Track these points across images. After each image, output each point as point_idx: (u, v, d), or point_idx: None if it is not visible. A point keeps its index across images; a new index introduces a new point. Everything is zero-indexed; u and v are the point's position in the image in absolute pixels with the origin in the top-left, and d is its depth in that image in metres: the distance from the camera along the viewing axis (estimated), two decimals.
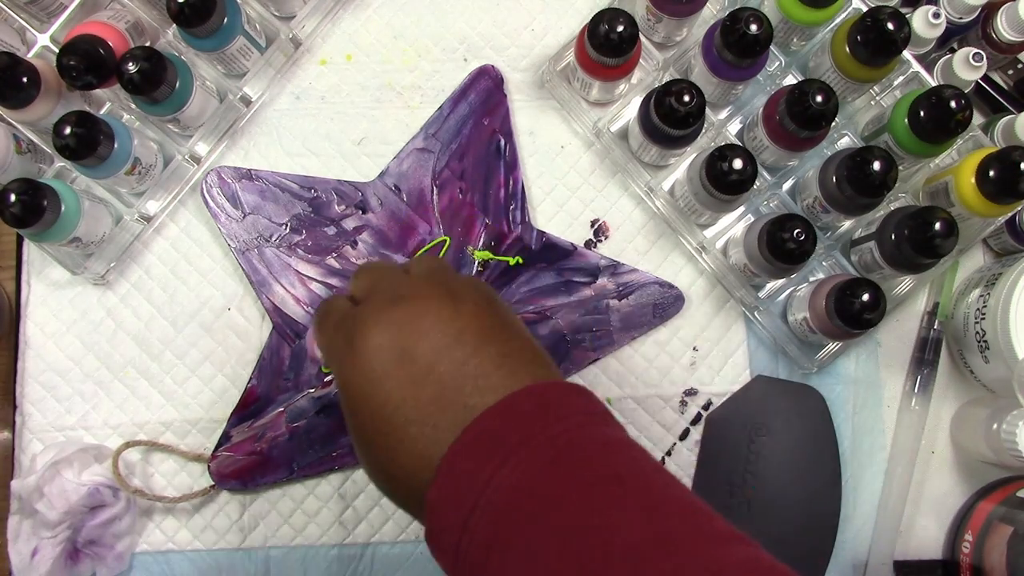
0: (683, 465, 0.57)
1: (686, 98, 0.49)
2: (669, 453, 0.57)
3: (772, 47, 0.54)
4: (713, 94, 0.55)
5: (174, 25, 0.53)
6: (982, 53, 0.54)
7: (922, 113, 0.50)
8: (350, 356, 0.35)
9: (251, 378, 0.56)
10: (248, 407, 0.56)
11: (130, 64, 0.49)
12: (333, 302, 0.40)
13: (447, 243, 0.57)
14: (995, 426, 0.52)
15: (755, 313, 0.57)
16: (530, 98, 0.59)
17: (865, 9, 0.54)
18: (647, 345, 0.57)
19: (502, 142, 0.58)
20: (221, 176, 0.57)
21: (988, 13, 0.56)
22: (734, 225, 0.57)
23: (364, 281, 0.39)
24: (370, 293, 0.38)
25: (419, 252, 0.57)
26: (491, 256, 0.57)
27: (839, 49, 0.52)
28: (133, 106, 0.55)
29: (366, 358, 0.34)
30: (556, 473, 0.31)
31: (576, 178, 0.59)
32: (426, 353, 0.34)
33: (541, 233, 0.57)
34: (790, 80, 0.57)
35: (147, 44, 0.56)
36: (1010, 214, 0.54)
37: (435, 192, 0.57)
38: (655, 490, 0.31)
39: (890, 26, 0.49)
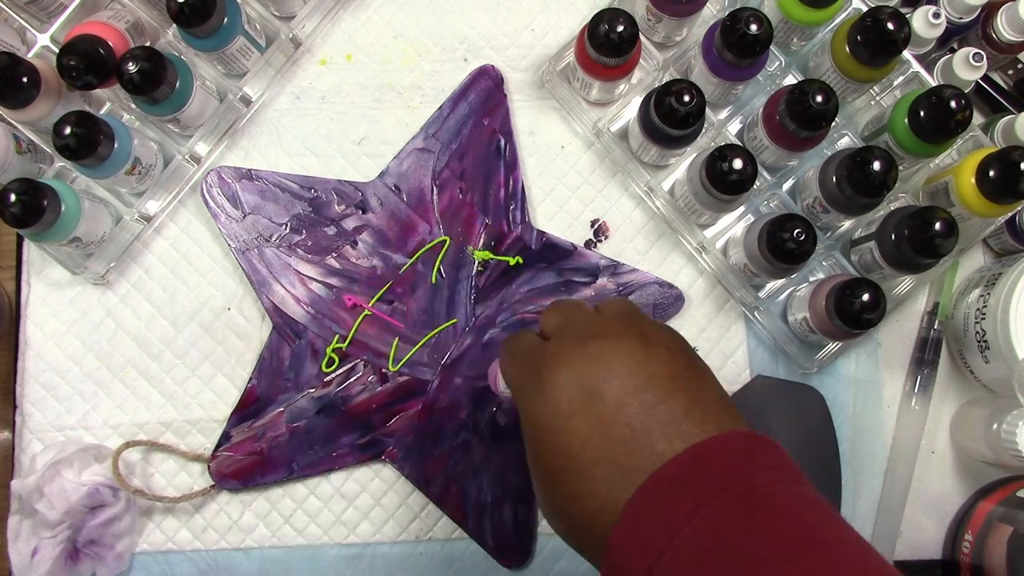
0: None
1: (686, 98, 0.49)
2: None
3: (772, 47, 0.54)
4: (713, 94, 0.55)
5: (174, 25, 0.53)
6: (982, 53, 0.54)
7: (922, 113, 0.50)
8: (538, 391, 0.35)
9: (251, 378, 0.56)
10: (248, 407, 0.56)
11: (130, 64, 0.49)
12: (522, 336, 0.40)
13: (447, 243, 0.57)
14: (995, 426, 0.52)
15: (755, 313, 0.57)
16: (530, 98, 0.59)
17: (865, 9, 0.54)
18: None
19: (502, 142, 0.58)
20: (221, 176, 0.57)
21: (988, 13, 0.56)
22: (734, 225, 0.57)
23: (554, 318, 0.39)
24: (560, 329, 0.38)
25: (419, 252, 0.57)
26: (491, 256, 0.57)
27: (839, 49, 0.52)
28: (133, 106, 0.55)
29: (555, 394, 0.34)
30: (751, 528, 0.29)
31: (576, 178, 0.59)
32: (616, 394, 0.34)
33: (541, 233, 0.57)
34: (790, 80, 0.57)
35: (147, 44, 0.56)
36: (1010, 214, 0.54)
37: (435, 192, 0.57)
38: (857, 559, 0.29)
39: (890, 26, 0.49)
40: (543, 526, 0.56)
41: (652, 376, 0.34)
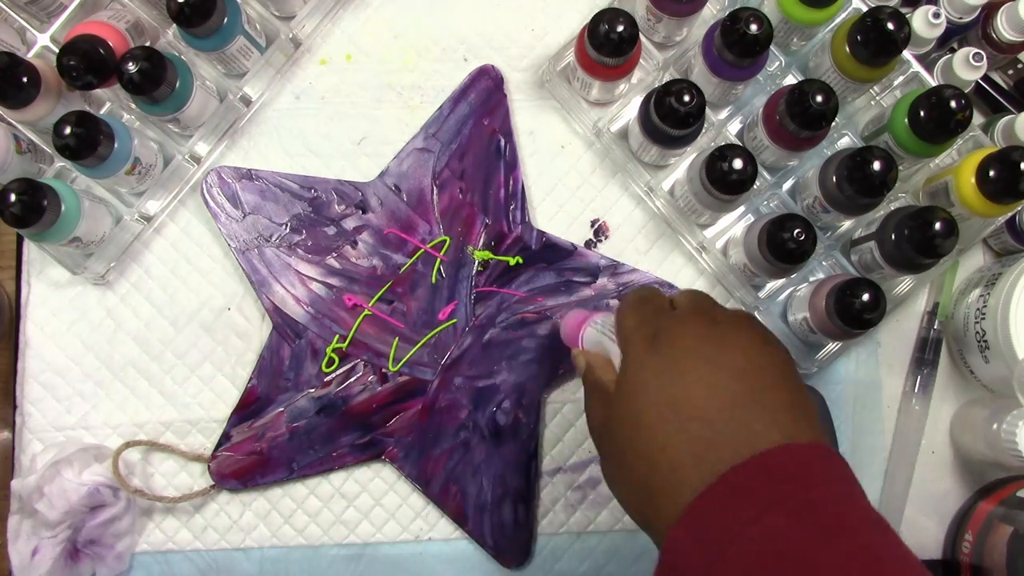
0: None
1: (686, 98, 0.49)
2: None
3: (772, 47, 0.54)
4: (713, 94, 0.55)
5: (174, 25, 0.53)
6: (982, 53, 0.54)
7: (922, 113, 0.50)
8: (655, 346, 0.38)
9: (251, 378, 0.56)
10: (248, 407, 0.56)
11: (130, 64, 0.49)
12: (651, 297, 0.42)
13: (447, 243, 0.57)
14: (995, 426, 0.51)
15: (755, 313, 0.57)
16: (530, 98, 0.59)
17: (865, 9, 0.54)
18: None
19: (502, 142, 0.58)
20: (221, 176, 0.57)
21: (988, 13, 0.56)
22: (734, 225, 0.57)
23: (689, 297, 0.42)
24: (692, 307, 0.40)
25: (418, 252, 0.57)
26: (491, 256, 0.57)
27: (839, 49, 0.52)
28: (133, 106, 0.55)
29: (673, 352, 0.37)
30: (810, 540, 0.30)
31: (576, 178, 0.59)
32: (730, 368, 0.36)
33: (541, 233, 0.57)
34: (790, 80, 0.57)
35: (147, 44, 0.56)
36: (1010, 214, 0.54)
37: (435, 192, 0.57)
38: None
39: (890, 26, 0.49)
40: (543, 526, 0.56)
41: (763, 368, 0.36)
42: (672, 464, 0.34)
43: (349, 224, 0.57)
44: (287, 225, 0.57)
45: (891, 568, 0.30)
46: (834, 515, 0.31)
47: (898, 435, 0.57)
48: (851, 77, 0.53)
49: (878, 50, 0.50)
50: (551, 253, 0.57)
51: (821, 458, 0.34)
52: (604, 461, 0.39)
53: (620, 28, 0.50)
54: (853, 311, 0.49)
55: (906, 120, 0.51)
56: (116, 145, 0.51)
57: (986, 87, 0.59)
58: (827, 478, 0.33)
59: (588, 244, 0.58)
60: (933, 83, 0.55)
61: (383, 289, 0.56)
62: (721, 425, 0.34)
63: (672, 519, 0.33)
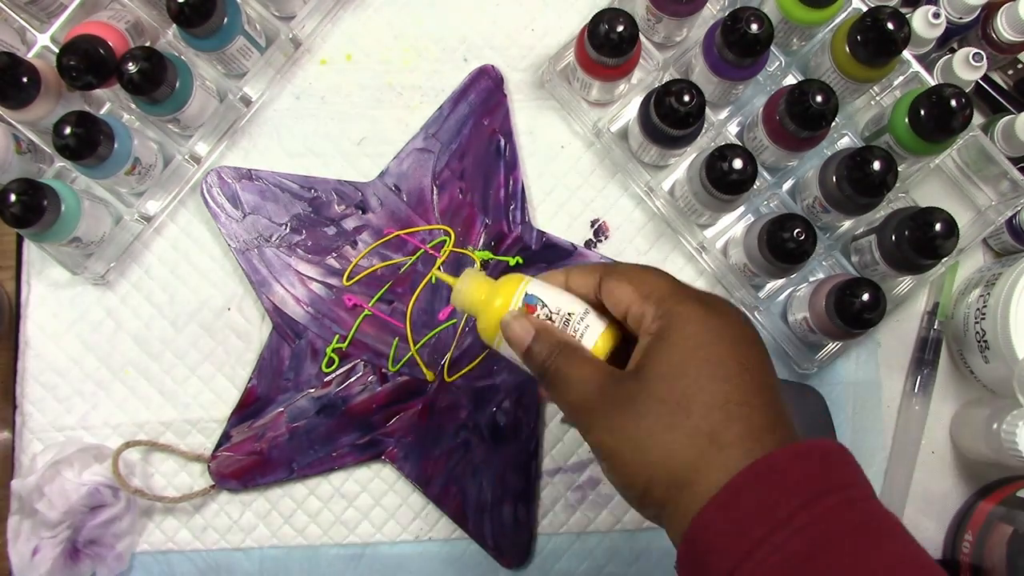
0: None
1: (686, 98, 0.49)
2: None
3: (772, 47, 0.54)
4: (713, 94, 0.55)
5: (174, 25, 0.53)
6: (982, 53, 0.54)
7: (923, 112, 0.50)
8: (708, 310, 0.35)
9: (251, 378, 0.56)
10: (248, 407, 0.56)
11: (130, 64, 0.49)
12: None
13: (452, 238, 0.57)
14: (995, 426, 0.51)
15: (755, 313, 0.57)
16: (530, 98, 0.59)
17: (865, 9, 0.54)
18: None
19: (502, 142, 0.58)
20: (221, 176, 0.57)
21: (988, 13, 0.56)
22: (734, 225, 0.57)
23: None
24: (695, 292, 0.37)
25: (418, 252, 0.57)
26: (491, 256, 0.57)
27: (839, 49, 0.52)
28: (133, 106, 0.55)
29: (719, 320, 0.35)
30: (860, 539, 0.30)
31: (576, 178, 0.59)
32: (752, 358, 0.35)
33: (541, 233, 0.57)
34: (790, 80, 0.57)
35: (147, 44, 0.56)
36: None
37: (435, 192, 0.57)
38: None
39: (890, 26, 0.49)
40: (543, 526, 0.56)
41: (764, 362, 0.35)
42: (711, 438, 0.32)
43: (349, 224, 0.57)
44: (287, 225, 0.57)
45: (933, 574, 0.30)
46: (874, 515, 0.31)
47: (898, 435, 0.57)
48: (851, 77, 0.53)
49: (878, 50, 0.50)
50: (551, 253, 0.57)
51: (847, 458, 0.33)
52: (611, 436, 0.34)
53: (620, 28, 0.50)
54: (853, 311, 0.49)
55: (906, 119, 0.51)
56: (116, 145, 0.51)
57: (986, 87, 0.59)
58: (858, 478, 0.32)
59: (588, 244, 0.58)
60: (933, 83, 0.55)
61: (383, 289, 0.56)
62: (762, 409, 0.33)
63: (702, 499, 0.31)
